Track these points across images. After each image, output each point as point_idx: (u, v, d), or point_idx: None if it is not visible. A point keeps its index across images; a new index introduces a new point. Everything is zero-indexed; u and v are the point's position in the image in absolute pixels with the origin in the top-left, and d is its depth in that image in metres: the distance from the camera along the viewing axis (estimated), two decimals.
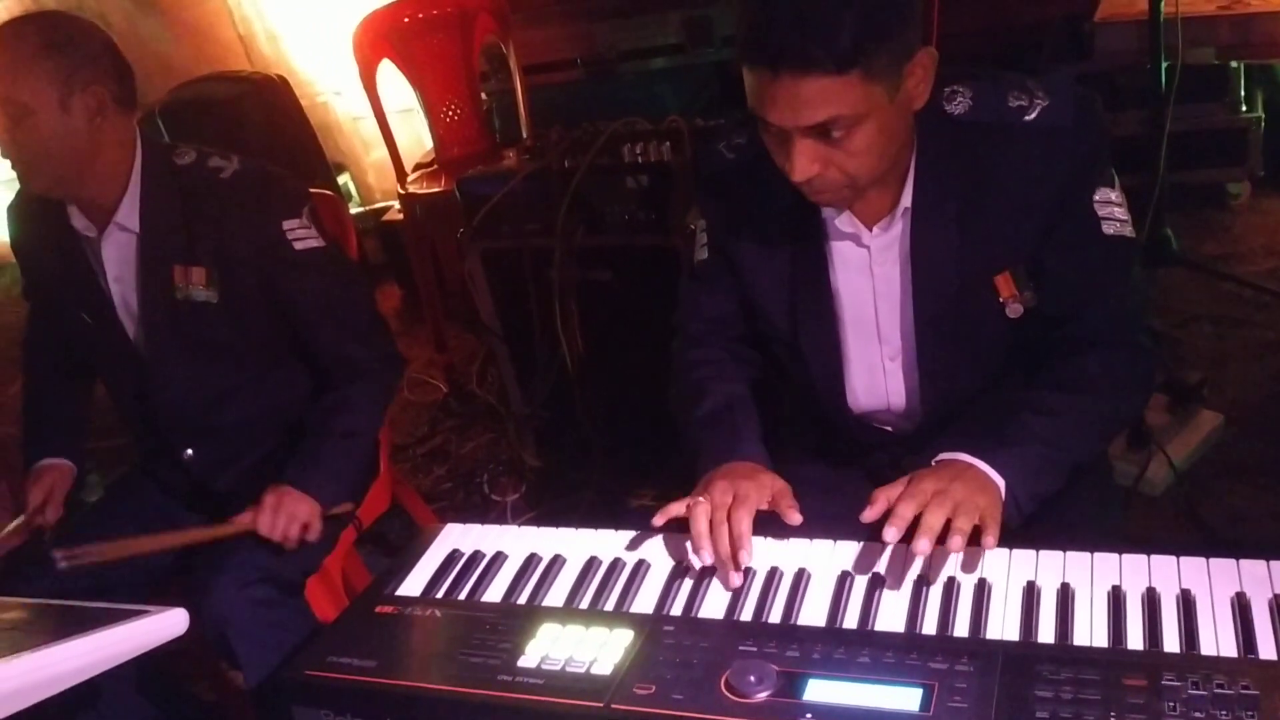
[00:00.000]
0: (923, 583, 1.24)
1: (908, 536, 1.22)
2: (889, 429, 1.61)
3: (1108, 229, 1.38)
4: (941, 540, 1.21)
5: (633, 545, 1.42)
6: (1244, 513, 2.32)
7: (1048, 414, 1.34)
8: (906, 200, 1.41)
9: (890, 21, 1.21)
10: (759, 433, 1.52)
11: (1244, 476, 2.41)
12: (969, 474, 1.28)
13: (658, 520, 1.37)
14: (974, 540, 1.22)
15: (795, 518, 1.36)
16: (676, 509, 1.37)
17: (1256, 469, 2.41)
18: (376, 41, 3.51)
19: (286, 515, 1.79)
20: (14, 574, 1.93)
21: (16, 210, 2.00)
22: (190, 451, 1.98)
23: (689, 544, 1.35)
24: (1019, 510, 1.29)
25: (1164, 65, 2.90)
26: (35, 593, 1.79)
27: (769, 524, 1.37)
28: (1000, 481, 1.28)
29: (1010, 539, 1.26)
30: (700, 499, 1.36)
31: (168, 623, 1.21)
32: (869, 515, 1.26)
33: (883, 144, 1.29)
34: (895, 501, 1.25)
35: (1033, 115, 1.35)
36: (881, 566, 1.28)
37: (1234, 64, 3.18)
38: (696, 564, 1.34)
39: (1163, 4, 2.83)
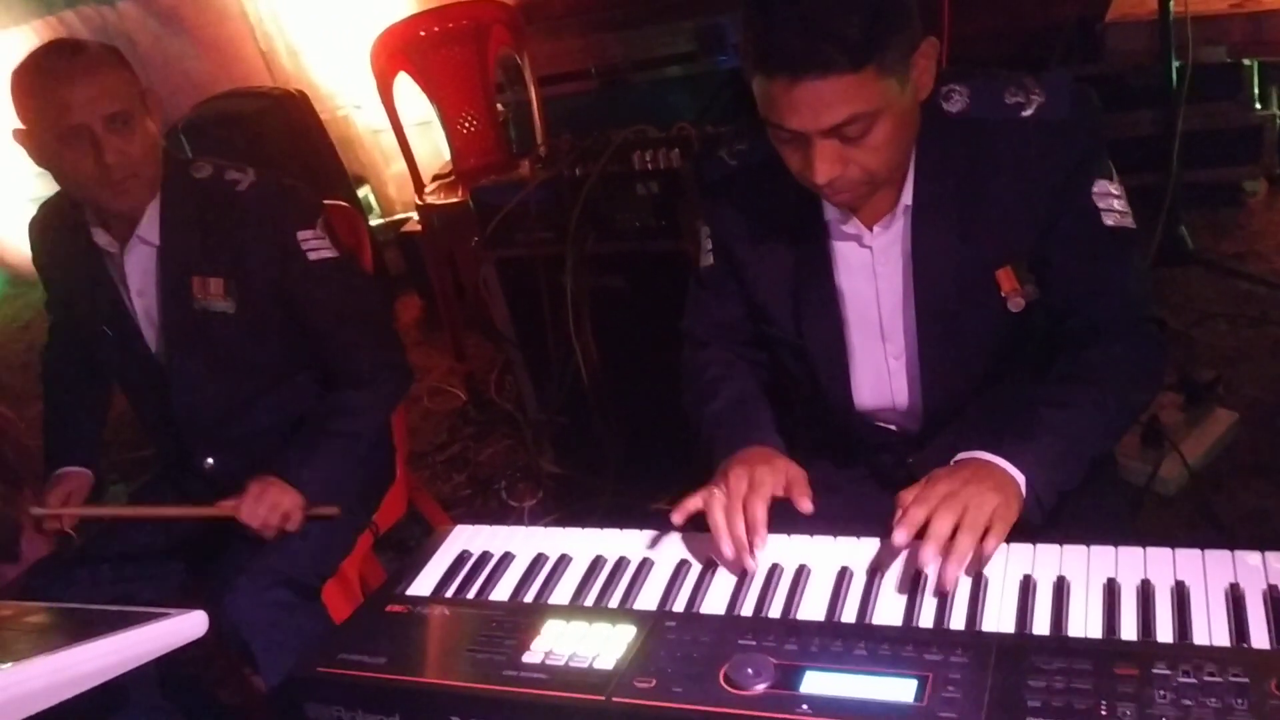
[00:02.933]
0: (921, 576, 1.25)
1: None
2: (894, 428, 1.62)
3: (1108, 220, 1.39)
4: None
5: (637, 544, 1.44)
6: (1260, 511, 2.31)
7: (1061, 406, 1.33)
8: (907, 198, 1.43)
9: (896, 13, 1.24)
10: (774, 424, 1.53)
11: (1259, 475, 2.40)
12: (986, 472, 1.27)
13: (677, 518, 1.37)
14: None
15: (807, 505, 1.36)
16: (694, 504, 1.37)
17: (1272, 467, 2.40)
18: (393, 55, 3.56)
19: (268, 504, 1.82)
20: (41, 581, 1.98)
21: (38, 228, 2.05)
22: (211, 460, 2.02)
23: (684, 541, 1.36)
24: (1040, 505, 1.28)
25: (1175, 65, 2.91)
26: (62, 599, 1.84)
27: (774, 519, 1.37)
28: (1020, 478, 1.27)
29: (1010, 533, 1.26)
30: (715, 489, 1.37)
31: (187, 625, 1.24)
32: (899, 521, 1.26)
33: (899, 136, 1.32)
34: (908, 505, 1.25)
35: (1029, 111, 1.37)
36: (881, 561, 1.29)
37: (1247, 62, 3.17)
38: (726, 550, 1.32)
39: (1172, 3, 2.84)
